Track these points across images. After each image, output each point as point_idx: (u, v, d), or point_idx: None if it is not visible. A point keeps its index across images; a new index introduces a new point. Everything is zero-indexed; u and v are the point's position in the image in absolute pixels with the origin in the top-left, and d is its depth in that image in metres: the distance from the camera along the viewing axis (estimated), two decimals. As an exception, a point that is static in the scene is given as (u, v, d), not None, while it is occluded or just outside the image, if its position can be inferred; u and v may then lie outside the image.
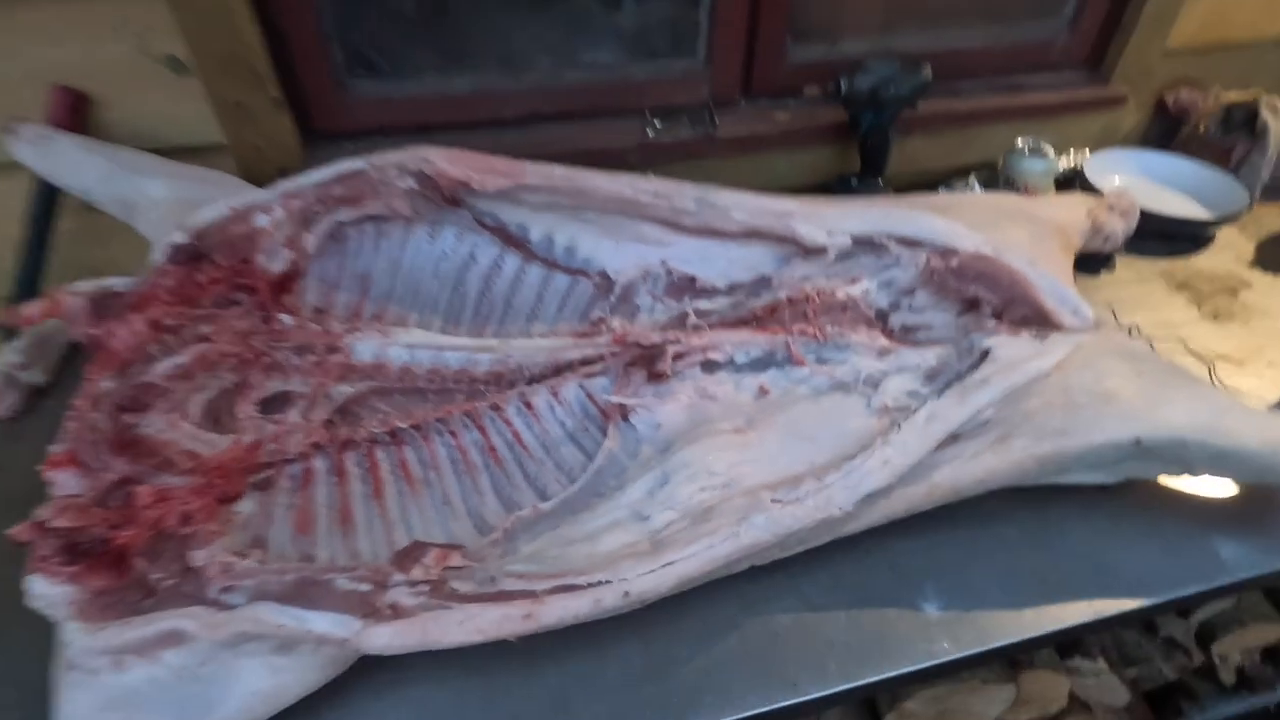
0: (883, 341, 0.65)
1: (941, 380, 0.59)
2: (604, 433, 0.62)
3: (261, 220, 0.63)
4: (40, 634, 0.46)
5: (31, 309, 0.57)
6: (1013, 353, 0.58)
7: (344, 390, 0.60)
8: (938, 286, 0.69)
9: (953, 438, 0.54)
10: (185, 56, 0.70)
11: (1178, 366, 0.62)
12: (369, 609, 0.43)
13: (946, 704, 0.68)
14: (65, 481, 0.50)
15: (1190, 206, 0.95)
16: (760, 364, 0.64)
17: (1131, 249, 0.89)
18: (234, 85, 0.72)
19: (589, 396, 0.64)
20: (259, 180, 0.70)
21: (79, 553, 0.46)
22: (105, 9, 0.67)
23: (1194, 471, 0.57)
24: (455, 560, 0.46)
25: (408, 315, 0.68)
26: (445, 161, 0.65)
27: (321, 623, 0.42)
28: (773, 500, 0.50)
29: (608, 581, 0.45)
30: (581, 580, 0.45)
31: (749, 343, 0.65)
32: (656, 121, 0.85)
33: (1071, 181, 0.97)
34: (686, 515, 0.51)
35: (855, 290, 0.70)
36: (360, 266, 0.68)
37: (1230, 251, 0.91)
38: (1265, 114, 0.96)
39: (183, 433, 0.54)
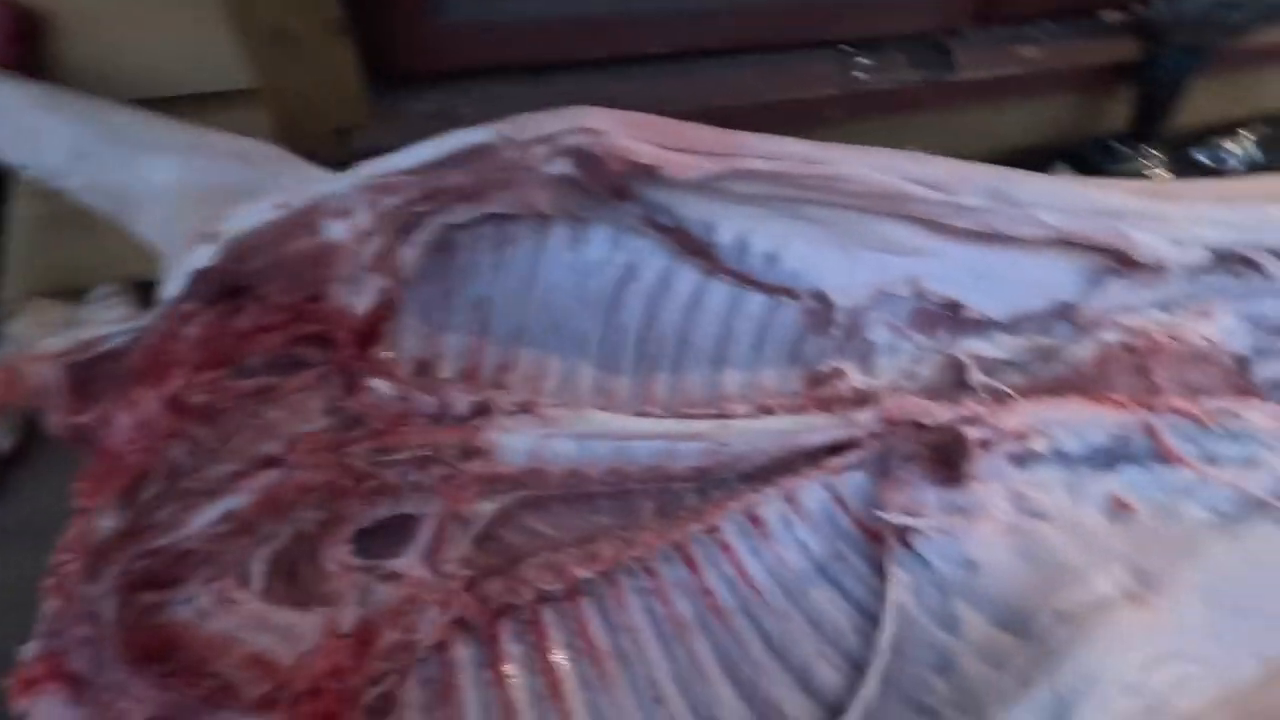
0: (1293, 423, 0.43)
1: None
2: (870, 563, 0.41)
3: (336, 230, 0.39)
4: None
5: (-28, 392, 0.34)
6: None
7: (485, 509, 0.38)
8: (1332, 325, 0.47)
9: None
10: (191, -49, 0.44)
11: None
12: None
13: None
14: (51, 714, 0.29)
15: None
16: (1105, 458, 0.42)
17: None
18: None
19: (838, 502, 0.43)
20: (307, 149, 0.46)
21: None
22: None
23: None
24: None
25: (547, 361, 0.46)
26: (623, 133, 0.41)
27: None
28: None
29: None
30: None
31: (1088, 422, 0.42)
32: (862, 59, 0.60)
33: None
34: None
35: (1211, 330, 0.47)
36: (476, 290, 0.45)
37: None
38: None
39: (242, 616, 0.32)
